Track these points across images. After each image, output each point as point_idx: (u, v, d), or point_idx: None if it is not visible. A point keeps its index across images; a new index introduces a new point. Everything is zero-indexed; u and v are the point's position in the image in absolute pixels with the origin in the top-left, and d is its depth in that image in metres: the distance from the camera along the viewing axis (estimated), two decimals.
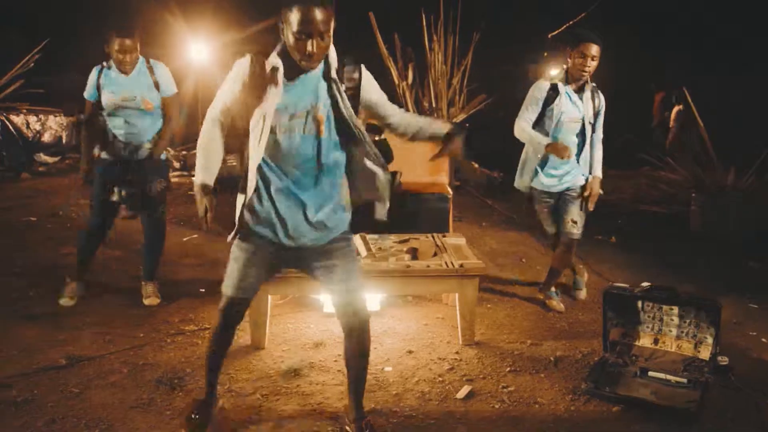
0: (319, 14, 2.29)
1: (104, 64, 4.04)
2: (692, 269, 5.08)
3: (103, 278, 4.67)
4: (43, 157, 8.81)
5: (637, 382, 3.16)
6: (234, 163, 7.90)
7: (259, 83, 2.41)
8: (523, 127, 3.99)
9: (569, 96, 3.97)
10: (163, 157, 4.18)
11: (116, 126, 4.03)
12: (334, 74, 2.46)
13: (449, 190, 5.19)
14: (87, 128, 4.16)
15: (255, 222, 2.54)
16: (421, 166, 4.93)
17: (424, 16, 6.19)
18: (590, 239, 5.62)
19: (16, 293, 4.37)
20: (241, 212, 2.56)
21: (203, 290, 4.47)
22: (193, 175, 2.65)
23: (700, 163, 6.27)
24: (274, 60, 2.42)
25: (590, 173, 4.09)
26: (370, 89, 2.59)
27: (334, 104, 2.46)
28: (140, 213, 4.13)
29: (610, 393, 3.05)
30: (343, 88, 2.49)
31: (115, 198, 4.01)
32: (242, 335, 3.72)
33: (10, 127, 8.24)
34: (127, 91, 3.99)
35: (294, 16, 2.29)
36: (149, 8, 9.18)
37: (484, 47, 7.08)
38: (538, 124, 3.98)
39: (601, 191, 4.09)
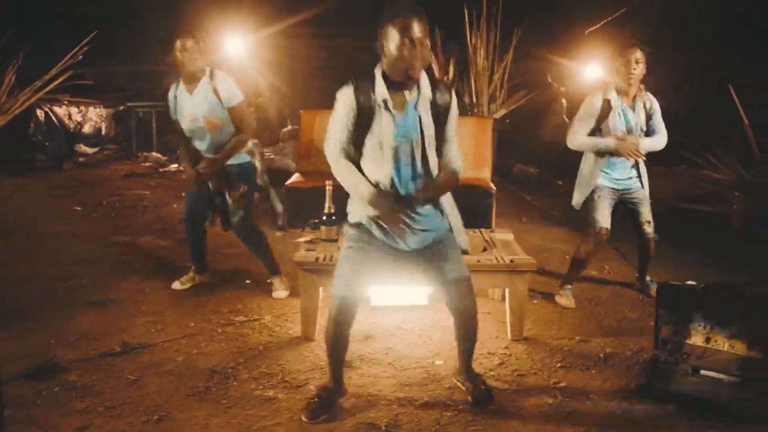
0: (417, 24, 2.56)
1: (176, 82, 4.04)
2: (734, 269, 5.01)
3: (157, 267, 4.77)
4: (84, 148, 8.94)
5: (690, 381, 3.14)
6: (272, 156, 7.99)
7: (367, 113, 2.66)
8: (579, 138, 4.07)
9: (623, 109, 4.02)
10: (245, 159, 4.13)
11: (197, 143, 4.09)
12: (428, 100, 2.70)
13: (492, 185, 5.19)
14: (180, 144, 4.28)
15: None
16: (464, 160, 4.94)
17: (466, 11, 6.19)
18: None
19: (72, 281, 4.49)
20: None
21: (249, 282, 4.53)
22: None
23: (743, 161, 6.18)
24: (381, 91, 2.66)
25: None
26: (453, 119, 2.77)
27: (429, 130, 2.70)
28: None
29: (663, 390, 3.05)
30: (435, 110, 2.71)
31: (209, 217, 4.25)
32: (292, 327, 3.77)
33: (54, 119, 8.39)
34: (191, 113, 3.97)
35: (395, 28, 2.55)
36: (187, 2, 9.25)
37: (527, 43, 7.05)
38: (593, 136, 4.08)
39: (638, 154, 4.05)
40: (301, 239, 3.88)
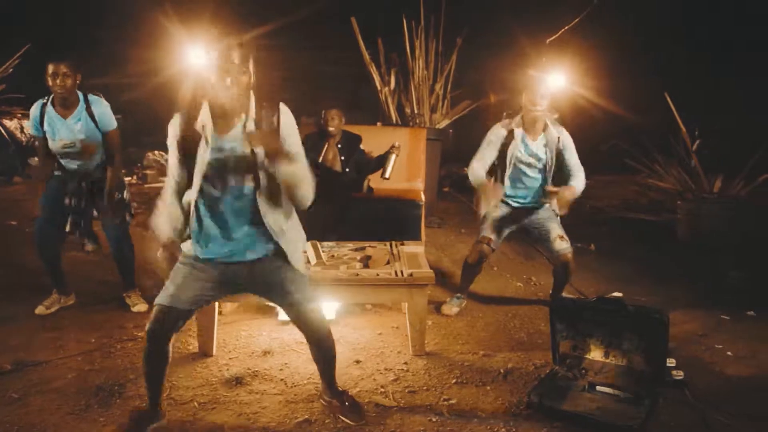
0: (235, 53, 2.50)
1: (45, 99, 3.96)
2: (670, 279, 4.96)
3: (78, 282, 4.68)
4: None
5: (584, 397, 3.07)
6: None
7: (190, 141, 2.57)
8: (473, 168, 4.03)
9: (524, 141, 4.02)
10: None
11: (64, 161, 4.05)
12: (252, 125, 2.57)
13: (422, 197, 5.13)
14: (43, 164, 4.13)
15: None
16: (396, 172, 4.89)
17: (405, 20, 6.15)
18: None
19: None
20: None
21: None
22: None
23: (687, 171, 6.14)
24: (204, 117, 2.57)
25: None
26: (289, 131, 2.64)
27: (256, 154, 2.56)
28: (105, 226, 4.18)
29: (552, 408, 2.97)
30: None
31: (68, 229, 4.13)
32: (193, 342, 3.69)
33: (3, 132, 8.28)
34: (67, 137, 3.94)
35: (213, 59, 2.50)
36: (146, 11, 9.21)
37: (471, 53, 7.01)
38: (498, 165, 4.08)
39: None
40: None
